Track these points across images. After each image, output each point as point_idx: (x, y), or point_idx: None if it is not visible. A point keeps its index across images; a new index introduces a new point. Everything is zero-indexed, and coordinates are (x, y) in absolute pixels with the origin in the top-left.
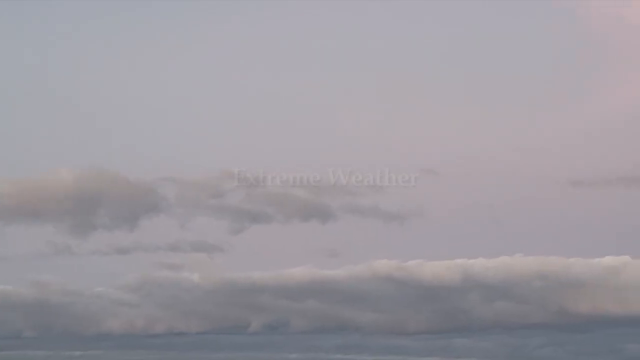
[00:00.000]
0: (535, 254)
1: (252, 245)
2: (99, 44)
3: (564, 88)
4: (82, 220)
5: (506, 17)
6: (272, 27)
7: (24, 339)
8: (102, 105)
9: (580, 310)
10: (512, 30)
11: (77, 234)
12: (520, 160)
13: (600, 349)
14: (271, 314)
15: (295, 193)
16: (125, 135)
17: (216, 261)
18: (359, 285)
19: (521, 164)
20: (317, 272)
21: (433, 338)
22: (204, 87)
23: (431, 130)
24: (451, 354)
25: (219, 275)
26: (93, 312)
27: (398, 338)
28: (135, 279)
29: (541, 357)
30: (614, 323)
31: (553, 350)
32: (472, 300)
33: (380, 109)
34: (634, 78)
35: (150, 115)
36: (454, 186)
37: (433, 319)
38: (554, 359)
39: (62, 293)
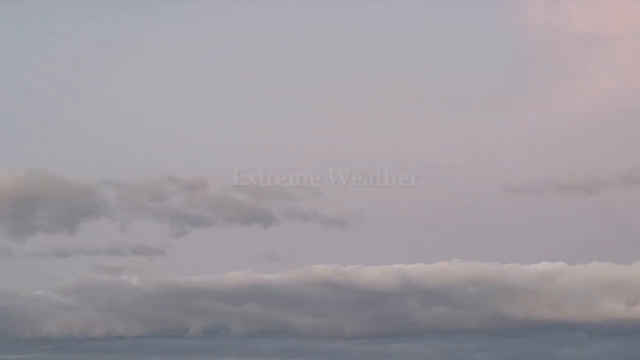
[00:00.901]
0: (471, 259)
1: (193, 248)
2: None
3: (499, 96)
4: (22, 222)
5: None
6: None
7: None
8: (42, 107)
9: (515, 315)
10: (443, 41)
11: (16, 236)
12: (458, 167)
13: (534, 353)
14: (210, 317)
15: (237, 197)
16: (66, 137)
17: (156, 265)
18: (297, 289)
19: (459, 171)
20: (256, 276)
21: (370, 342)
22: (150, 89)
23: (371, 135)
24: (388, 358)
25: (159, 278)
26: (32, 315)
27: (336, 342)
28: (75, 282)
29: None
30: (548, 328)
31: (488, 355)
32: (409, 305)
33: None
34: (567, 86)
35: (91, 117)
36: (394, 192)
37: (371, 323)
38: None
39: (0, 296)
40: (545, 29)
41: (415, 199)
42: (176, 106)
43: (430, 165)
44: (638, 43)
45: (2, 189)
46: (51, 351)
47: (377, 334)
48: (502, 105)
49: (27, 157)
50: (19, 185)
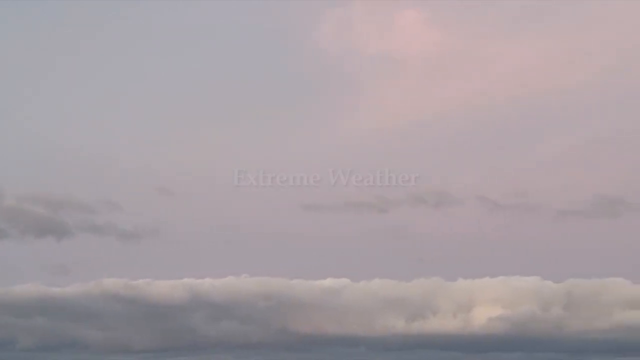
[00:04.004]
0: (260, 274)
1: None
2: None
3: (292, 115)
4: None
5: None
6: None
7: None
8: None
9: (301, 330)
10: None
11: None
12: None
13: None
14: None
15: (33, 208)
16: None
17: None
18: (87, 303)
19: (255, 186)
20: (46, 289)
21: (159, 356)
22: None
23: (166, 150)
24: None
25: None
26: None
27: (125, 356)
28: None
29: None
30: (331, 342)
31: None
32: (198, 319)
33: None
34: (357, 106)
35: None
36: (189, 206)
37: (160, 337)
38: None
39: None
40: (337, 50)
41: (211, 213)
42: None
43: (225, 180)
44: (426, 65)
45: None
46: None
47: (166, 348)
48: (296, 123)
49: None
50: None
